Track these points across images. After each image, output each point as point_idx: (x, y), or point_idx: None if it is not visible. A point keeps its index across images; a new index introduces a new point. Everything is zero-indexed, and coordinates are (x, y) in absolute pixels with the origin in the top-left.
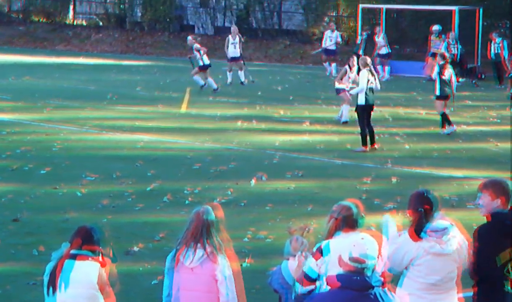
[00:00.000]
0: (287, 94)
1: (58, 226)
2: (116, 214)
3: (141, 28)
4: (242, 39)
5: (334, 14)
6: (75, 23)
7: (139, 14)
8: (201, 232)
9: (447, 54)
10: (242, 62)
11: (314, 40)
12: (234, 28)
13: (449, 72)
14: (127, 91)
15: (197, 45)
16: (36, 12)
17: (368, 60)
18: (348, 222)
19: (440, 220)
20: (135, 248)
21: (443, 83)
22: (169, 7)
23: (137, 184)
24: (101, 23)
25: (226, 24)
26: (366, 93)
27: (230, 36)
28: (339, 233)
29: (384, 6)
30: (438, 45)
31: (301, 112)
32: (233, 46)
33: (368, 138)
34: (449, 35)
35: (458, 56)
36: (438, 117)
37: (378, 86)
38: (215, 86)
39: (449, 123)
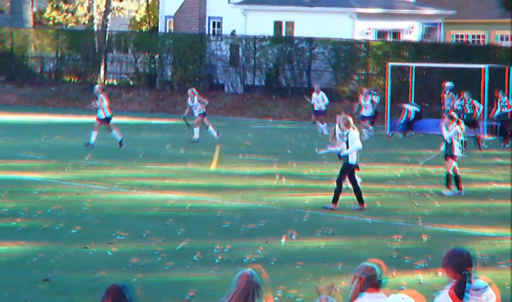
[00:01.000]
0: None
1: (88, 286)
2: (146, 273)
3: (171, 87)
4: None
5: (363, 73)
6: (106, 82)
7: (169, 74)
8: (250, 295)
9: (455, 115)
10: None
11: (343, 97)
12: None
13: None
14: (156, 149)
15: (102, 95)
16: (67, 73)
17: (351, 119)
18: (372, 282)
19: (479, 278)
20: None
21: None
22: (199, 67)
23: (166, 243)
24: (131, 83)
25: (256, 83)
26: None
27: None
28: (362, 294)
29: (413, 65)
30: (449, 102)
31: (331, 170)
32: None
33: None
34: (463, 94)
35: (475, 113)
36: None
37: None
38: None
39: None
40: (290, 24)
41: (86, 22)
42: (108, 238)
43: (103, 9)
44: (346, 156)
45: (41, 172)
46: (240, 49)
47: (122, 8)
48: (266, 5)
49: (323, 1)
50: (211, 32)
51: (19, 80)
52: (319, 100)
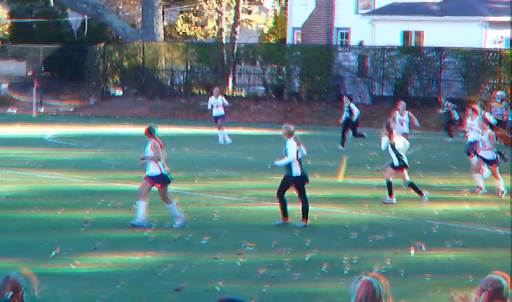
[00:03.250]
0: (446, 163)
1: (218, 296)
2: (274, 283)
3: (299, 99)
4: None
5: (494, 82)
6: (234, 94)
7: (297, 85)
8: (373, 300)
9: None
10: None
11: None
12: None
13: None
14: None
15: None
16: (197, 85)
17: (292, 128)
18: (499, 295)
19: None
20: None
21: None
22: (326, 78)
23: (294, 254)
24: (259, 94)
25: (384, 93)
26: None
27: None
28: None
29: None
30: (500, 112)
31: (460, 181)
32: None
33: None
34: None
35: None
36: None
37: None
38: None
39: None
40: (419, 34)
41: (215, 35)
42: (236, 248)
43: (232, 22)
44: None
45: (171, 183)
46: (368, 60)
47: (250, 21)
48: (394, 15)
49: (453, 10)
50: (338, 43)
51: (150, 92)
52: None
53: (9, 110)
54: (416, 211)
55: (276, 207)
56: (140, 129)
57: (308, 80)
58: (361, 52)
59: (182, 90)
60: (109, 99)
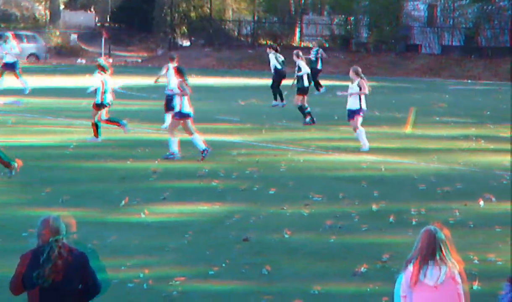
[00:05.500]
0: None
1: (285, 246)
2: (341, 234)
3: (367, 49)
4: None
5: None
6: (301, 45)
7: (365, 35)
8: (437, 250)
9: None
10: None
11: None
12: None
13: None
14: None
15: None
16: (263, 35)
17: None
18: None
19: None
20: (362, 269)
21: None
22: (395, 28)
23: (361, 205)
24: (327, 45)
25: (454, 43)
26: None
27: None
28: None
29: None
30: None
31: None
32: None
33: None
34: None
35: None
36: None
37: None
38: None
39: None
40: None
41: None
42: (303, 199)
43: None
44: None
45: (238, 134)
46: (437, 9)
47: None
48: None
49: None
50: None
51: (217, 43)
52: None
53: (78, 60)
54: (485, 162)
55: (343, 158)
56: (208, 80)
57: (376, 31)
58: (430, 1)
59: (249, 40)
60: (176, 50)
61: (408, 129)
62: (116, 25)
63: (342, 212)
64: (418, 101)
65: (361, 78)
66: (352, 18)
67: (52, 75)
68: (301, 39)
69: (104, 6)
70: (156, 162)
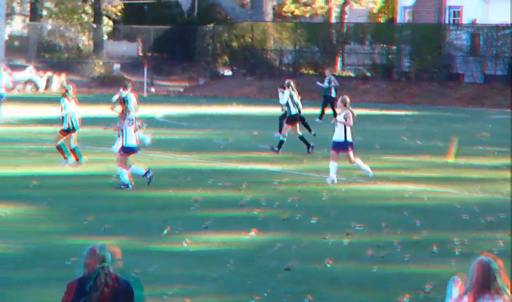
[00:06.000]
0: None
1: (327, 276)
2: (383, 264)
3: (408, 78)
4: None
5: None
6: (343, 74)
7: (407, 64)
8: (492, 281)
9: None
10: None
11: None
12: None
13: None
14: (393, 141)
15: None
16: (305, 65)
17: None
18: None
19: None
20: (404, 299)
21: None
22: (437, 57)
23: (404, 234)
24: (368, 74)
25: (497, 72)
26: None
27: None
28: None
29: None
30: None
31: None
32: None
33: None
34: None
35: None
36: None
37: None
38: None
39: None
40: None
41: (324, 14)
42: (345, 228)
43: (341, 1)
44: None
45: (279, 163)
46: (480, 38)
47: (359, 0)
48: None
49: None
50: (450, 21)
51: (259, 73)
52: None
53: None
54: None
55: (384, 187)
56: (249, 109)
57: (417, 60)
58: (473, 30)
59: (290, 70)
60: (218, 79)
61: (450, 159)
62: (158, 55)
63: (384, 241)
64: (461, 130)
65: (349, 109)
66: (394, 47)
67: (95, 104)
68: (342, 68)
69: (146, 36)
70: (198, 191)
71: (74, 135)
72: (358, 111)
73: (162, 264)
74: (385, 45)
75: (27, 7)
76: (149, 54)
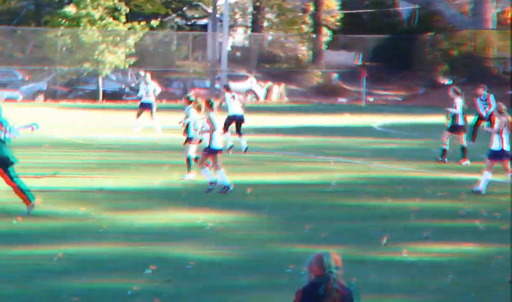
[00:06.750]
0: None
1: None
2: None
3: None
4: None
5: None
6: None
7: None
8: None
9: None
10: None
11: None
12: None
13: None
14: None
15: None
16: None
17: None
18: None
19: None
20: None
21: None
22: None
23: None
24: None
25: None
26: None
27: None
28: None
29: None
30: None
31: None
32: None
33: None
34: None
35: None
36: None
37: None
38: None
39: None
40: None
41: None
42: None
43: None
44: None
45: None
46: None
47: None
48: None
49: None
50: None
51: (479, 81)
52: None
53: (339, 100)
54: None
55: None
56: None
57: None
58: None
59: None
60: (437, 88)
61: None
62: (376, 64)
63: None
64: None
65: (505, 116)
66: None
67: (312, 114)
68: None
69: (365, 46)
70: (416, 200)
71: (194, 146)
72: None
73: (379, 274)
74: None
75: (249, 18)
76: (367, 63)
